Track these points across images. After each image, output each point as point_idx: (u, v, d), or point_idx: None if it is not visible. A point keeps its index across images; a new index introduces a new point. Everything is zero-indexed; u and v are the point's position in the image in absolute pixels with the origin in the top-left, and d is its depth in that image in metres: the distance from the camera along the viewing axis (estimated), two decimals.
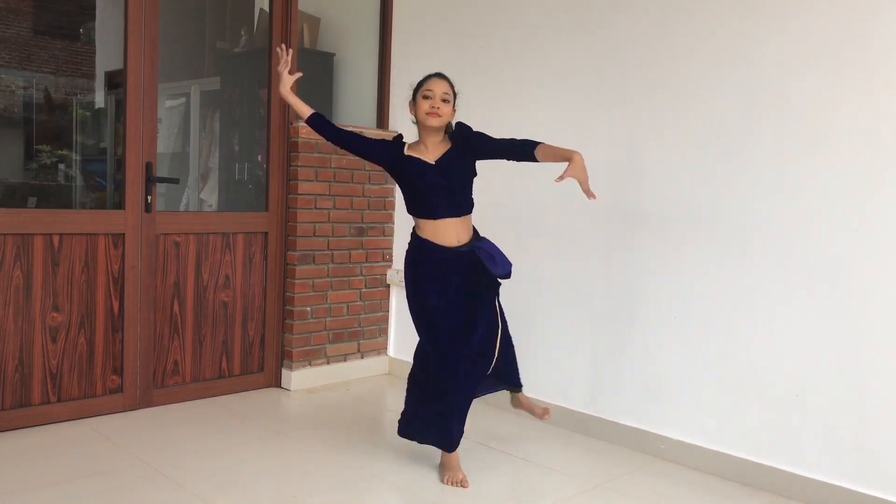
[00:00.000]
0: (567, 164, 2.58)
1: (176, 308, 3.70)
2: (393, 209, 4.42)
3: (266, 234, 4.00)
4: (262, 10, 4.40)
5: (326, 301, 4.15)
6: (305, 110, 2.92)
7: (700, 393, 3.10)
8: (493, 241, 2.86)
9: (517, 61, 3.77)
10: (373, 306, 4.38)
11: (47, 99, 6.30)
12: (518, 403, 3.17)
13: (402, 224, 4.37)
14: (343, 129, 2.93)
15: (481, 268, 2.77)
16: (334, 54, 4.66)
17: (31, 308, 3.26)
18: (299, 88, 4.06)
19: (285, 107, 4.00)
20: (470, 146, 2.78)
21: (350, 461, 3.02)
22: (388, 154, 2.84)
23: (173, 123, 5.14)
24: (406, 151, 2.81)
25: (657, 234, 3.23)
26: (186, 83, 5.09)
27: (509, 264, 2.81)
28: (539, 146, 2.67)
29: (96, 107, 5.98)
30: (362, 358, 4.35)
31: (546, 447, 3.30)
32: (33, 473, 2.78)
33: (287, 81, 2.98)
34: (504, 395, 3.24)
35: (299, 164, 3.98)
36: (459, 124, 2.84)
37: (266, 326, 4.03)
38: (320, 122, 2.92)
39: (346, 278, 4.23)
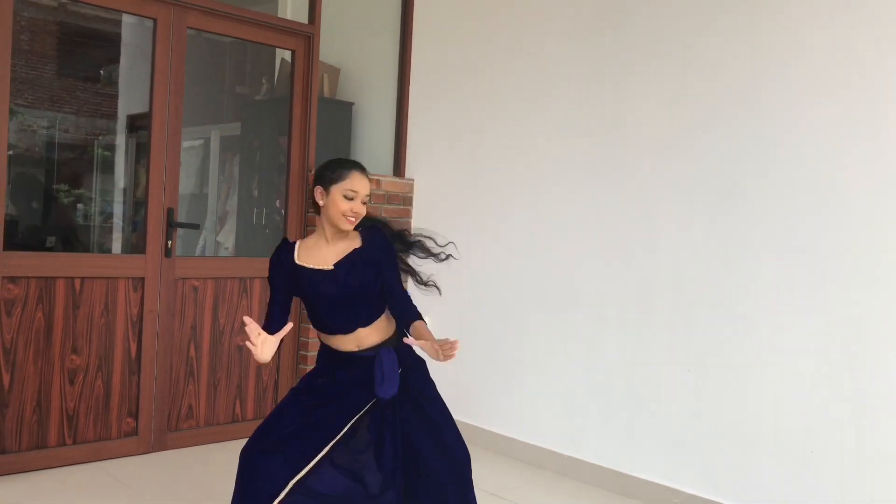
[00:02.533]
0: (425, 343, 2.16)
1: (192, 352, 3.74)
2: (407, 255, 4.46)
3: None
4: (283, 59, 4.51)
5: None
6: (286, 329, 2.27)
7: (714, 447, 3.09)
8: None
9: (535, 112, 3.84)
10: None
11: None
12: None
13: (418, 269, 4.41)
14: (274, 310, 2.37)
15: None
16: (353, 103, 4.75)
17: (51, 350, 3.30)
18: (319, 136, 4.15)
19: (304, 155, 4.08)
20: (380, 261, 2.34)
21: None
22: (283, 281, 2.33)
23: (191, 164, 5.23)
24: (297, 258, 2.32)
25: (670, 289, 3.25)
26: (207, 128, 5.19)
27: (394, 388, 2.26)
28: (416, 322, 2.29)
29: (116, 149, 6.09)
30: None
31: (557, 500, 3.28)
32: None
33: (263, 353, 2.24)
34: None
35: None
36: (374, 226, 2.43)
37: (280, 371, 4.05)
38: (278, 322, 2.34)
39: None
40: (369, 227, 2.41)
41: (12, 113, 3.24)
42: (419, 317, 2.31)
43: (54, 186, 6.08)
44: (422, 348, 2.17)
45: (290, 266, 2.31)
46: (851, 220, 2.74)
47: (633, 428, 3.37)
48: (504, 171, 3.96)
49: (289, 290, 2.34)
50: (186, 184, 5.23)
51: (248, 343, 2.21)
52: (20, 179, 5.76)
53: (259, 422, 3.84)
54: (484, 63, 4.11)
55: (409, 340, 2.16)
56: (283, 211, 4.16)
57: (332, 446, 2.22)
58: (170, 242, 3.61)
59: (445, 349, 2.09)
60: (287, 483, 2.17)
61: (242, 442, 3.80)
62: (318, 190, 2.34)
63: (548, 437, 3.66)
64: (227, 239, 4.93)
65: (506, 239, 3.93)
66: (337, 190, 2.32)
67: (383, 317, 2.35)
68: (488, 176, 4.05)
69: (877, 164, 2.69)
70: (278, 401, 4.02)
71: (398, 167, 4.51)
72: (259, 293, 3.96)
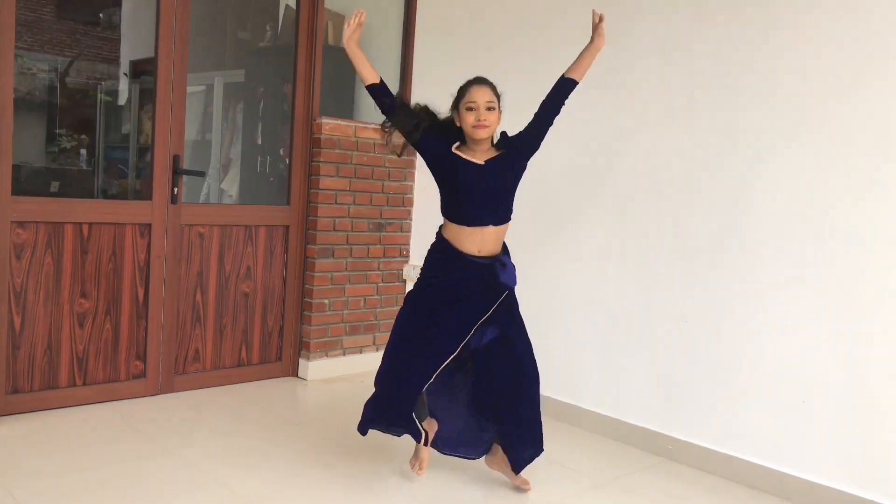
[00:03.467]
0: (594, 45, 2.74)
1: (199, 297, 3.80)
2: (411, 206, 4.50)
3: (287, 227, 4.08)
4: (287, 5, 4.47)
5: (344, 294, 4.24)
6: (370, 75, 2.67)
7: (709, 396, 3.17)
8: (508, 243, 2.80)
9: (540, 64, 3.83)
10: (389, 300, 4.46)
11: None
12: (494, 462, 2.90)
13: (420, 220, 4.46)
14: (397, 105, 2.71)
15: (494, 288, 2.66)
16: None
17: (61, 294, 3.35)
18: (323, 84, 4.15)
19: (308, 103, 4.08)
20: (518, 149, 2.67)
21: (364, 450, 3.11)
22: (436, 145, 2.67)
23: (193, 111, 5.22)
24: (454, 149, 2.65)
25: (670, 240, 3.30)
26: (211, 74, 5.16)
27: (514, 280, 2.70)
28: (568, 71, 2.71)
29: (120, 94, 6.06)
30: (378, 350, 4.44)
31: (557, 445, 3.38)
32: (61, 455, 2.89)
33: (353, 34, 2.68)
34: None
35: (321, 159, 4.06)
36: (503, 135, 2.71)
37: (285, 317, 4.13)
38: (381, 94, 2.70)
39: (363, 272, 4.32)
40: (502, 136, 2.70)
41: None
42: (564, 76, 2.73)
43: (56, 131, 6.06)
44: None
45: (446, 149, 2.65)
46: (853, 179, 2.77)
47: (630, 376, 3.45)
48: (507, 126, 3.96)
49: (431, 151, 2.69)
50: (190, 130, 5.22)
51: (351, 22, 2.63)
52: (21, 123, 5.75)
53: (267, 366, 3.93)
54: (490, 16, 4.08)
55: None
56: (287, 160, 4.18)
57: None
58: (176, 189, 3.64)
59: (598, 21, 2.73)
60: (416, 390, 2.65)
61: (249, 385, 3.94)
62: (453, 113, 2.67)
63: (547, 384, 3.73)
64: (231, 187, 4.95)
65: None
66: (462, 106, 2.62)
67: (504, 230, 2.71)
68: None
69: (881, 126, 2.71)
70: (283, 346, 4.11)
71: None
72: (264, 241, 4.01)
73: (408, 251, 4.52)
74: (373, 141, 4.26)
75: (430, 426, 2.82)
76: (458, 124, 2.65)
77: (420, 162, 4.46)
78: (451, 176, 2.64)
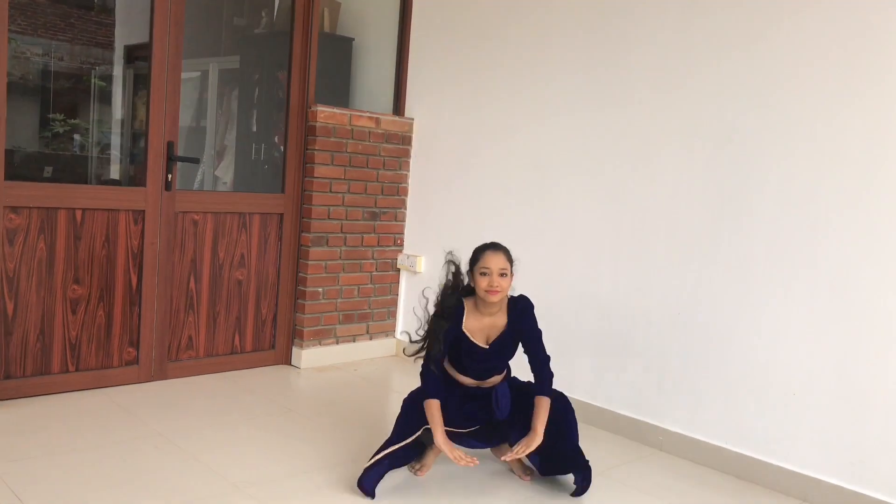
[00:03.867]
0: (529, 433, 2.66)
1: (192, 284, 3.79)
2: (406, 195, 4.49)
3: (281, 215, 4.08)
4: None
5: (338, 283, 4.24)
6: (437, 408, 2.68)
7: (700, 388, 3.19)
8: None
9: (535, 52, 3.83)
10: (383, 289, 4.47)
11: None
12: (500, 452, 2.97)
13: (415, 210, 4.46)
14: (439, 368, 2.76)
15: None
16: (353, 39, 4.71)
17: (53, 280, 3.35)
18: (319, 72, 4.13)
19: (304, 91, 4.07)
20: (521, 330, 2.78)
21: (355, 438, 3.12)
22: (452, 338, 2.75)
23: (188, 97, 5.20)
24: (464, 323, 2.74)
25: (663, 234, 3.30)
26: (206, 60, 5.14)
27: (507, 412, 2.77)
28: (542, 398, 2.71)
29: (114, 79, 6.02)
30: (371, 339, 4.45)
31: None
32: (53, 440, 2.89)
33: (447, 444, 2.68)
34: None
35: (316, 147, 4.05)
36: (522, 300, 2.81)
37: (278, 305, 4.13)
38: (439, 390, 2.74)
39: (357, 261, 4.32)
40: (513, 299, 2.80)
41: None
42: (548, 393, 2.74)
43: (50, 116, 6.03)
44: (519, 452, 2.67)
45: (459, 331, 2.74)
46: (847, 170, 2.78)
47: (622, 368, 3.46)
48: (504, 112, 3.97)
49: (448, 346, 2.76)
50: (184, 116, 5.19)
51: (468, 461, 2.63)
52: (14, 107, 5.71)
53: (260, 354, 3.94)
54: (487, 1, 4.06)
55: (505, 457, 2.74)
56: (282, 147, 4.17)
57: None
58: (170, 176, 3.63)
59: (514, 454, 2.67)
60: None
61: (242, 372, 3.95)
62: (468, 275, 2.78)
63: None
64: (226, 174, 4.94)
65: (503, 180, 3.96)
66: (476, 270, 2.72)
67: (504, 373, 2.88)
68: (488, 116, 4.05)
69: (877, 114, 2.71)
70: (277, 334, 4.12)
71: (398, 106, 4.50)
72: (258, 228, 4.00)
73: (402, 240, 4.52)
74: (368, 129, 4.25)
75: (431, 457, 2.86)
76: (471, 284, 2.76)
77: (415, 151, 4.46)
78: (455, 348, 2.76)
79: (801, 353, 2.90)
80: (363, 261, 4.35)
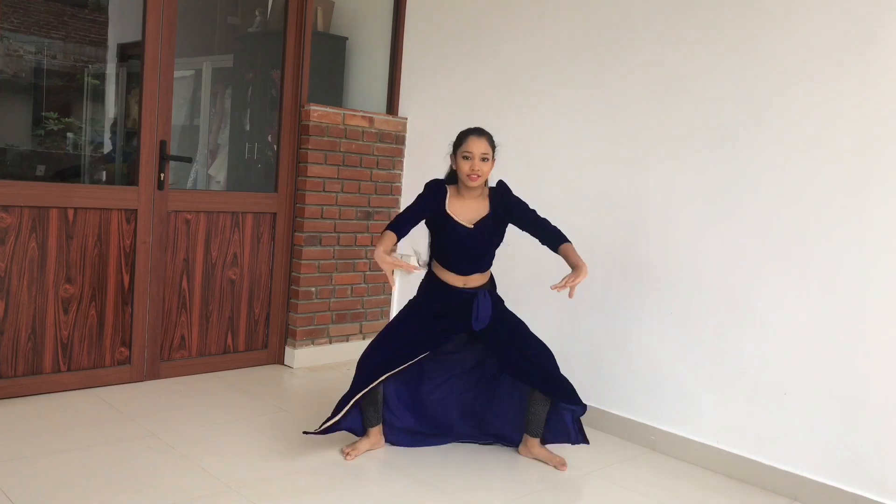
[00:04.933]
0: (574, 270, 2.77)
1: (184, 284, 3.79)
2: (399, 194, 4.49)
3: (274, 214, 4.07)
4: None
5: (331, 282, 4.24)
6: (390, 241, 2.75)
7: (692, 388, 3.20)
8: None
9: (529, 51, 3.83)
10: (376, 289, 4.46)
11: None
12: (528, 451, 3.09)
13: None
14: (404, 219, 2.84)
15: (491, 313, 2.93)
16: (347, 38, 4.70)
17: (45, 279, 3.34)
18: (312, 71, 4.13)
19: (297, 90, 4.06)
20: (507, 212, 2.90)
21: (348, 438, 3.12)
22: (431, 212, 2.88)
23: (181, 96, 5.18)
24: (447, 206, 2.87)
25: (657, 231, 3.31)
26: (199, 59, 5.12)
27: (485, 323, 2.90)
28: (564, 245, 2.86)
29: (107, 77, 6.00)
30: (364, 339, 4.44)
31: None
32: (45, 440, 2.88)
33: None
34: None
35: (309, 147, 4.04)
36: (500, 185, 2.94)
37: (271, 305, 4.12)
38: (399, 231, 2.81)
39: (350, 261, 4.31)
40: (493, 187, 2.91)
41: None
42: (565, 240, 2.89)
43: (43, 114, 6.00)
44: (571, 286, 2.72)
45: (441, 208, 2.84)
46: (839, 172, 2.79)
47: (614, 367, 3.47)
48: (497, 112, 3.96)
49: (423, 217, 2.86)
50: (177, 115, 5.18)
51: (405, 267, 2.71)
52: (7, 105, 5.69)
53: (252, 353, 3.95)
54: (480, 1, 4.06)
55: (555, 287, 2.75)
56: (275, 146, 4.16)
57: (422, 357, 2.86)
58: (162, 175, 3.62)
59: (570, 285, 2.72)
60: (379, 375, 2.81)
61: (235, 372, 3.94)
62: (451, 157, 2.90)
63: None
64: (219, 173, 4.93)
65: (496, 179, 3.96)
66: (459, 155, 2.83)
67: (488, 272, 2.98)
68: (482, 116, 4.04)
69: (870, 116, 2.72)
70: (270, 334, 4.11)
71: (391, 105, 4.50)
72: (251, 228, 4.00)
73: None
74: (361, 129, 4.25)
75: (373, 437, 2.99)
76: (453, 167, 2.89)
77: (408, 151, 4.46)
78: (441, 232, 2.88)
79: (792, 353, 2.91)
80: (356, 260, 4.34)
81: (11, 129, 5.53)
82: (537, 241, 2.96)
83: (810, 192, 2.85)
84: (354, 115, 4.23)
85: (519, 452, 3.12)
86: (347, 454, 2.93)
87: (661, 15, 3.30)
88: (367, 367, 2.87)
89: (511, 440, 3.16)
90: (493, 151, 2.86)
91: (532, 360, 2.95)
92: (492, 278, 3.06)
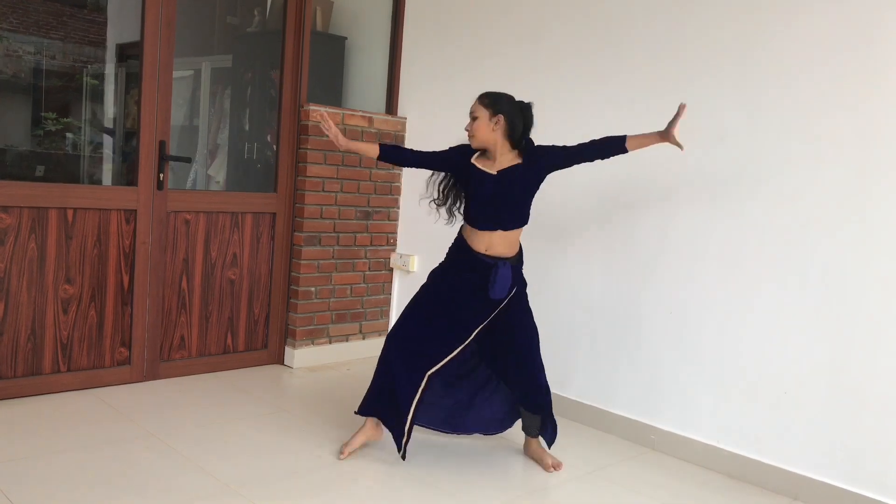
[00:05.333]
0: (661, 138, 2.73)
1: (184, 284, 3.78)
2: (399, 194, 4.49)
3: (274, 214, 4.07)
4: None
5: (331, 282, 4.24)
6: (372, 149, 2.94)
7: (692, 387, 3.20)
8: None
9: (528, 50, 3.83)
10: (376, 289, 4.46)
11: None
12: (530, 450, 3.13)
13: (407, 209, 4.45)
14: (412, 152, 2.98)
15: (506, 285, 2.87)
16: (346, 38, 4.70)
17: (45, 280, 3.33)
18: (311, 70, 4.13)
19: (296, 90, 4.06)
20: (536, 160, 2.82)
21: (347, 438, 3.11)
22: (454, 163, 2.90)
23: (180, 96, 5.18)
24: (473, 159, 2.87)
25: (655, 234, 3.31)
26: (198, 59, 5.12)
27: (503, 293, 2.86)
28: (628, 138, 2.77)
29: (106, 78, 6.00)
30: (364, 339, 4.44)
31: None
32: (44, 441, 2.88)
33: (337, 136, 2.93)
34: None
35: (308, 147, 4.04)
36: (528, 141, 2.86)
37: (271, 305, 4.12)
38: (391, 153, 2.98)
39: (350, 260, 4.31)
40: (525, 145, 2.84)
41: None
42: (623, 136, 2.78)
43: (42, 114, 6.00)
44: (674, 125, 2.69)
45: (466, 163, 2.86)
46: (837, 169, 2.79)
47: (615, 367, 3.46)
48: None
49: (453, 169, 2.92)
50: (176, 115, 5.18)
51: (329, 131, 2.86)
52: (6, 106, 5.69)
53: (252, 353, 3.94)
54: (480, 1, 4.06)
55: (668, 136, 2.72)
56: (274, 146, 4.16)
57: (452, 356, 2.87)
58: (161, 175, 3.61)
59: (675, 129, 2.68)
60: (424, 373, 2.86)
61: (234, 372, 3.93)
62: None
63: None
64: (218, 173, 4.92)
65: None
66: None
67: (516, 234, 2.88)
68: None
69: (869, 114, 2.72)
70: (269, 334, 4.11)
71: (390, 105, 4.50)
72: (250, 228, 3.99)
73: (395, 240, 4.52)
74: (361, 128, 4.25)
75: (369, 428, 2.99)
76: None
77: None
78: (466, 184, 2.87)
79: (792, 352, 2.90)
80: (356, 260, 4.34)
81: (11, 129, 5.53)
82: (585, 158, 2.84)
83: (811, 191, 2.85)
84: (354, 115, 4.22)
85: (524, 451, 3.16)
86: (342, 453, 2.93)
87: (660, 15, 3.30)
88: (407, 362, 2.85)
89: (501, 425, 3.17)
90: (490, 111, 2.79)
91: (524, 381, 2.97)
92: (520, 254, 2.95)
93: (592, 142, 2.81)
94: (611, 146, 2.79)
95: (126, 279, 3.58)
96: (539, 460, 3.06)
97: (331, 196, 4.16)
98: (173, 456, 2.84)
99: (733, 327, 3.07)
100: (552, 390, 3.67)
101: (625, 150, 2.78)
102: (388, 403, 2.89)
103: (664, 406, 3.29)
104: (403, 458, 2.88)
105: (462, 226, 2.94)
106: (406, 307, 2.99)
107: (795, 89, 2.89)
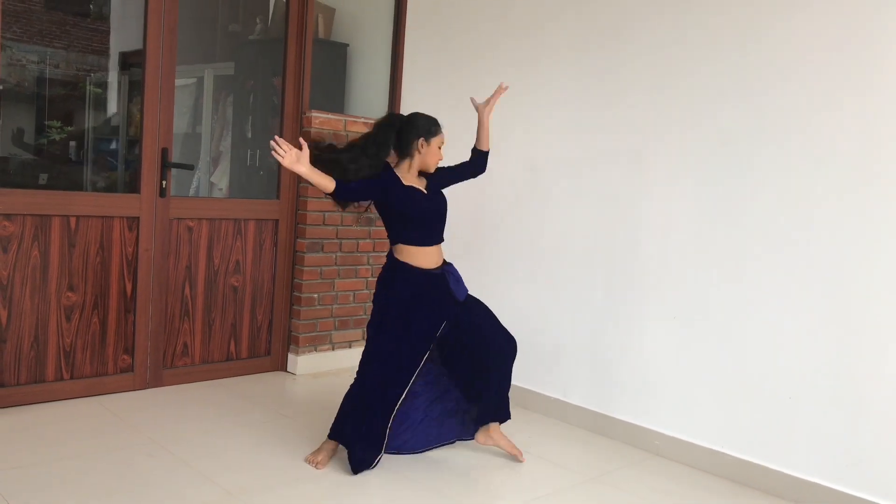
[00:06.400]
0: (481, 117, 3.04)
1: (187, 291, 3.79)
2: None
3: (276, 221, 4.08)
4: None
5: (333, 288, 4.24)
6: (326, 182, 2.77)
7: (695, 392, 3.19)
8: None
9: (530, 57, 3.83)
10: None
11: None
12: (488, 437, 3.09)
13: None
14: (357, 182, 2.84)
15: (449, 297, 2.94)
16: (348, 45, 4.71)
17: (48, 287, 3.34)
18: (314, 77, 4.14)
19: (298, 97, 4.07)
20: (433, 177, 2.99)
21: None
22: (384, 186, 2.86)
23: (183, 104, 5.19)
24: (404, 182, 2.90)
25: (658, 236, 3.30)
26: (200, 66, 5.14)
27: (465, 291, 2.99)
28: (478, 146, 3.05)
29: (109, 86, 6.01)
30: None
31: (544, 440, 3.40)
32: (47, 448, 2.88)
33: (300, 159, 2.74)
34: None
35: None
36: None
37: (274, 312, 4.12)
38: (342, 191, 2.82)
39: (353, 267, 4.31)
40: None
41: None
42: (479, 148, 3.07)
43: (45, 123, 6.02)
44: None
45: (400, 185, 2.87)
46: (840, 170, 2.78)
47: (618, 372, 3.46)
48: (499, 116, 3.95)
49: (381, 193, 2.87)
50: (179, 123, 5.19)
51: (285, 159, 2.71)
52: (10, 114, 5.70)
53: (255, 360, 3.93)
54: (481, 4, 4.07)
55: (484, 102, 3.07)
56: None
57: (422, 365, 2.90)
58: (164, 183, 3.62)
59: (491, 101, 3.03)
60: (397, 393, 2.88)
61: (237, 379, 3.93)
62: (420, 140, 2.89)
63: (536, 380, 3.76)
64: (221, 180, 4.93)
65: (498, 186, 3.96)
66: (435, 142, 2.92)
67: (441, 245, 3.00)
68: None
69: (872, 114, 2.72)
70: (272, 341, 4.11)
71: (393, 110, 4.50)
72: (253, 235, 4.00)
73: None
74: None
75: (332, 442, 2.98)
76: (419, 151, 2.90)
77: None
78: (407, 204, 2.88)
79: (796, 357, 2.90)
80: (358, 266, 4.34)
81: (14, 137, 5.54)
82: (462, 176, 3.08)
83: (814, 192, 2.85)
84: (356, 122, 4.23)
85: (478, 440, 3.09)
86: (318, 464, 2.90)
87: (660, 15, 3.30)
88: (379, 389, 2.85)
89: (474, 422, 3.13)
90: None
91: (485, 373, 2.99)
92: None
93: (463, 164, 3.07)
94: (472, 160, 3.06)
95: (129, 286, 3.58)
96: (507, 448, 3.09)
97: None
98: (175, 463, 2.84)
99: (736, 330, 3.06)
100: (555, 396, 3.68)
101: (481, 153, 3.06)
102: (358, 431, 2.87)
103: (667, 411, 3.28)
104: (355, 473, 2.86)
105: (395, 251, 2.91)
106: (369, 347, 2.92)
107: (798, 90, 2.89)
